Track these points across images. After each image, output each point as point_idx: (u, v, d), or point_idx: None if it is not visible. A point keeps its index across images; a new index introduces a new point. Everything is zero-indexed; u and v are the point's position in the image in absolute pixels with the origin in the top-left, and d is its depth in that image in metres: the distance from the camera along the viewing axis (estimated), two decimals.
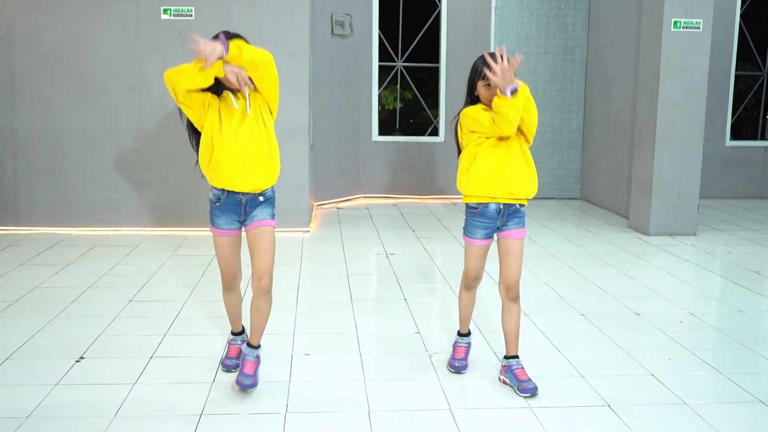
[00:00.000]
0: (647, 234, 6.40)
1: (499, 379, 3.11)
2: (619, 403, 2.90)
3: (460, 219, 7.10)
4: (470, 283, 3.15)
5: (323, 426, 2.69)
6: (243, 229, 2.98)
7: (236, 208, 2.92)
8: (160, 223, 6.26)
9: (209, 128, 2.87)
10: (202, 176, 2.97)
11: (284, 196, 6.29)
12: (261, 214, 2.92)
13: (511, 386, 3.02)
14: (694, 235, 6.41)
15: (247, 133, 2.85)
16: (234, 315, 3.23)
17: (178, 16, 6.03)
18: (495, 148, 2.89)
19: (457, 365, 3.20)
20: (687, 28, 6.17)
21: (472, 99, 2.95)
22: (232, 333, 3.27)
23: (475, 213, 2.98)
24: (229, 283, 3.09)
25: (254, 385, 2.93)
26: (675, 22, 6.14)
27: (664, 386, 3.09)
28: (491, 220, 2.96)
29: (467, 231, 3.04)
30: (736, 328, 3.89)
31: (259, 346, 3.03)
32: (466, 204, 3.02)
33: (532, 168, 2.96)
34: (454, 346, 3.28)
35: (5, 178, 6.17)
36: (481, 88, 2.87)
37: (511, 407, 2.87)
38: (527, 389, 2.94)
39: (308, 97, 6.37)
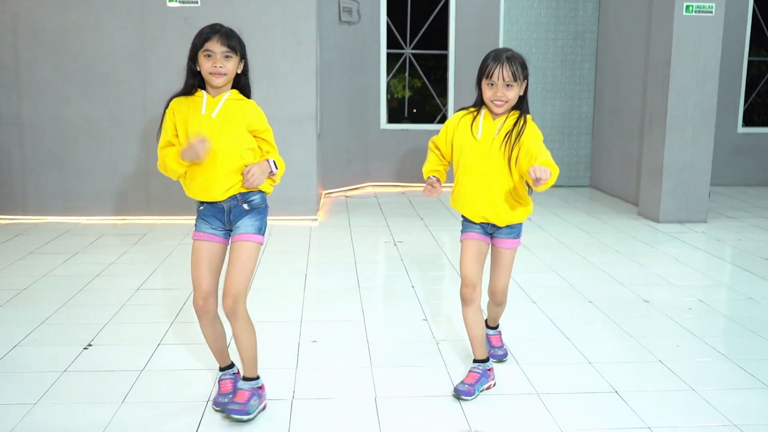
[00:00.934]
0: (657, 221, 6.34)
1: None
2: (627, 390, 2.88)
3: None
4: (465, 291, 2.82)
5: (330, 413, 2.69)
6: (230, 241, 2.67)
7: (220, 215, 2.60)
8: (168, 211, 6.26)
9: (179, 139, 2.57)
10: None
11: (292, 185, 6.28)
12: (245, 225, 2.59)
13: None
14: (705, 222, 6.35)
15: (218, 140, 2.53)
16: (215, 348, 2.72)
17: (184, 3, 6.01)
18: (469, 175, 2.79)
19: (462, 389, 2.81)
20: (699, 12, 6.08)
21: (480, 101, 2.79)
22: (220, 369, 2.78)
23: (466, 220, 2.94)
24: (199, 305, 2.58)
25: (243, 413, 2.55)
26: (687, 6, 6.06)
27: (672, 373, 3.07)
28: (482, 225, 2.88)
29: (462, 228, 2.94)
30: (745, 315, 3.86)
31: (256, 378, 2.67)
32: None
33: (522, 198, 2.79)
34: (472, 371, 2.90)
35: (12, 168, 6.19)
36: (484, 87, 2.72)
37: (518, 393, 2.86)
38: (496, 355, 3.14)
39: (315, 85, 6.34)
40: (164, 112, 2.63)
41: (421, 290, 4.28)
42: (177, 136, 2.59)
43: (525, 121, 2.73)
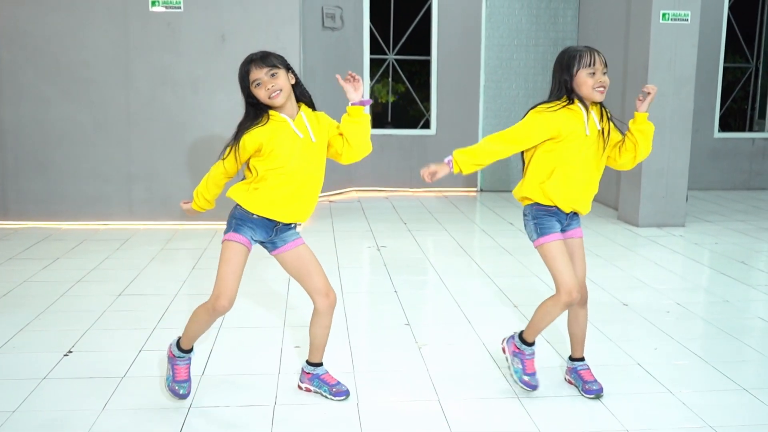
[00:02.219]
0: (636, 225, 6.43)
1: (565, 378, 3.05)
2: (606, 392, 2.92)
3: (452, 212, 7.12)
4: (575, 296, 2.73)
5: (312, 417, 2.71)
6: (269, 251, 2.79)
7: (269, 228, 2.68)
8: (150, 216, 6.24)
9: (275, 162, 2.59)
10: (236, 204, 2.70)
11: None
12: (291, 235, 2.75)
13: (576, 386, 2.96)
14: (683, 226, 6.45)
15: (315, 163, 2.67)
16: (197, 336, 2.81)
17: (167, 8, 6.00)
18: (574, 170, 2.73)
19: (533, 383, 2.90)
20: (675, 20, 6.19)
21: (566, 93, 2.75)
22: (181, 350, 2.81)
23: (549, 210, 2.78)
24: (225, 308, 2.65)
25: (347, 393, 2.85)
26: (663, 14, 6.16)
27: (650, 375, 3.12)
28: (562, 216, 2.81)
29: (543, 228, 2.75)
30: (722, 318, 3.93)
31: (322, 364, 2.91)
32: (534, 205, 2.80)
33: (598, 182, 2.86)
34: (523, 358, 2.93)
35: None
36: (583, 77, 2.70)
37: (498, 397, 2.89)
38: (591, 390, 2.87)
39: None
40: (237, 140, 2.60)
41: (403, 295, 4.30)
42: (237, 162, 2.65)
43: (604, 107, 2.83)
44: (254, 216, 2.65)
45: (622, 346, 3.47)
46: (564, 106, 2.75)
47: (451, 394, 2.91)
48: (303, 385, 2.92)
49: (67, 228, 6.10)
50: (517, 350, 2.95)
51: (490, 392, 2.94)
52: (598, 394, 2.86)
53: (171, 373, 2.81)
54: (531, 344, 2.94)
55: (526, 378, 2.90)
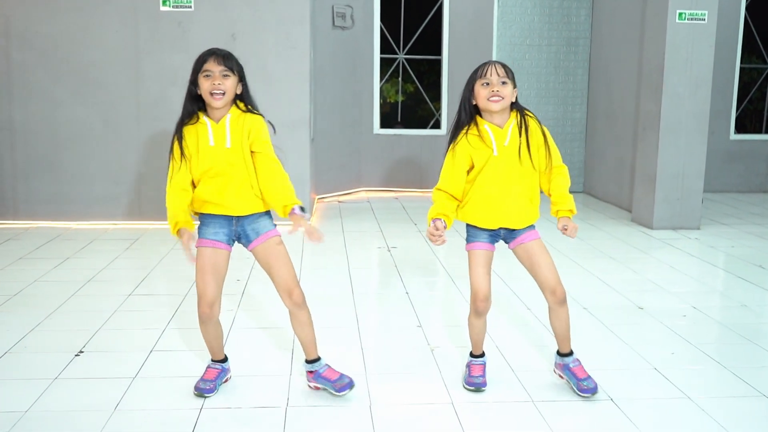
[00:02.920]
0: (651, 228, 6.36)
1: (555, 372, 3.02)
2: (622, 397, 2.87)
3: None
4: (480, 305, 2.81)
5: (324, 420, 2.67)
6: (243, 246, 2.78)
7: (227, 219, 2.70)
8: (160, 216, 6.22)
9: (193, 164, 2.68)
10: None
11: None
12: (263, 225, 2.73)
13: (570, 383, 2.92)
14: (698, 229, 6.37)
15: (232, 165, 2.66)
16: (213, 346, 2.86)
17: (177, 7, 5.99)
18: (492, 183, 2.73)
19: (477, 381, 2.91)
20: (692, 19, 6.11)
21: (467, 113, 2.76)
22: (213, 360, 2.90)
23: (476, 228, 2.83)
24: (205, 314, 2.69)
25: (350, 384, 2.80)
26: (680, 14, 6.09)
27: (667, 380, 3.06)
28: (493, 233, 2.83)
29: (469, 236, 2.84)
30: (739, 323, 3.86)
31: (320, 358, 2.86)
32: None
33: (537, 200, 2.84)
34: (469, 365, 3.00)
35: (4, 172, 6.14)
36: (479, 90, 2.71)
37: (513, 401, 2.84)
38: (587, 389, 2.83)
39: (309, 89, 6.33)
40: (175, 139, 2.68)
41: (415, 297, 4.26)
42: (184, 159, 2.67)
43: (523, 116, 2.78)
44: (205, 213, 2.70)
45: (639, 350, 3.41)
46: (467, 133, 2.75)
47: (464, 398, 2.87)
48: (311, 384, 2.89)
49: (77, 228, 6.09)
50: (468, 362, 3.02)
51: (505, 396, 2.89)
52: (593, 392, 2.83)
53: (202, 374, 2.89)
54: (480, 356, 3.00)
55: (468, 379, 2.94)
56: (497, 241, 2.87)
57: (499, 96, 2.69)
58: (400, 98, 8.66)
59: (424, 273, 4.84)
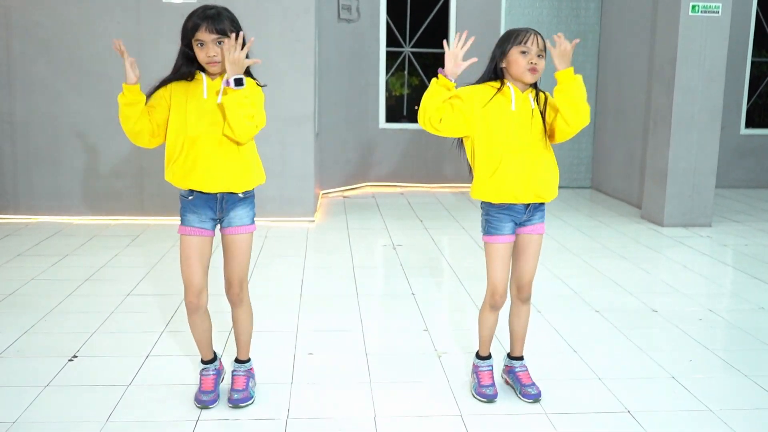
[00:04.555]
0: (661, 225, 6.22)
1: (502, 377, 2.98)
2: (640, 410, 2.74)
3: (469, 209, 6.94)
4: (499, 300, 2.72)
5: None
6: (219, 228, 2.67)
7: (212, 204, 2.58)
8: (162, 211, 6.11)
9: (174, 124, 2.53)
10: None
11: (289, 185, 6.14)
12: (239, 217, 2.61)
13: (513, 388, 2.88)
14: (710, 226, 6.22)
15: (220, 125, 2.51)
16: (202, 341, 2.75)
17: None
18: (521, 152, 2.60)
19: (489, 393, 2.79)
20: (706, 12, 5.95)
21: (494, 71, 2.65)
22: (202, 362, 2.80)
23: (500, 208, 2.67)
24: (193, 303, 2.62)
25: (248, 399, 2.72)
26: (693, 6, 5.92)
27: (687, 390, 2.93)
28: (519, 213, 2.68)
29: (491, 228, 2.67)
30: (759, 327, 3.72)
31: (248, 360, 2.82)
32: (488, 203, 2.69)
33: (556, 165, 2.73)
34: (477, 372, 2.88)
35: (4, 166, 6.04)
36: (515, 56, 2.58)
37: (524, 413, 2.72)
38: (530, 395, 2.79)
39: (314, 83, 6.20)
40: (159, 86, 2.59)
41: (421, 298, 4.14)
42: (156, 116, 2.56)
43: (539, 91, 2.70)
44: (188, 196, 2.57)
45: (654, 357, 3.28)
46: (492, 86, 2.65)
47: (474, 409, 2.74)
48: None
49: (78, 223, 5.98)
50: (474, 367, 2.91)
51: (517, 407, 2.77)
52: (536, 399, 2.78)
53: (198, 385, 2.78)
54: (486, 358, 2.89)
55: (479, 389, 2.82)
56: (517, 227, 2.72)
57: (536, 68, 2.59)
58: (406, 92, 8.52)
59: (430, 273, 4.71)
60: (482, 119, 2.62)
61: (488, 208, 2.70)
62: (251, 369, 2.85)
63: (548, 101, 2.68)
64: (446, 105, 2.59)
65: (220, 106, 2.50)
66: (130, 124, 2.54)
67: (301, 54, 6.05)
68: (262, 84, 2.66)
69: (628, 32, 7.42)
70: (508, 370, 2.93)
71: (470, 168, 2.74)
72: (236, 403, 2.70)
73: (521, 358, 2.92)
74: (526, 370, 2.89)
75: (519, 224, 2.72)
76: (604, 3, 8.06)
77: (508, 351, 2.97)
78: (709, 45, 6.00)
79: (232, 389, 2.74)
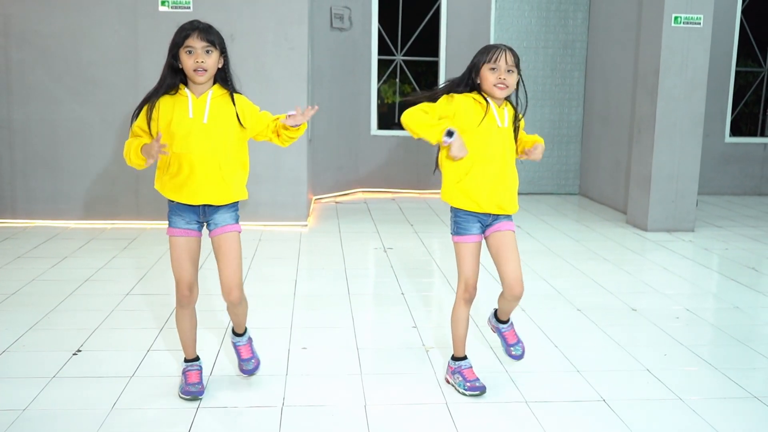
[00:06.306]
0: (645, 230, 6.40)
1: (488, 323, 3.19)
2: (616, 399, 2.90)
3: None
4: (472, 293, 2.87)
5: (319, 419, 2.70)
6: (207, 233, 2.80)
7: (195, 209, 2.72)
8: (158, 215, 6.24)
9: (165, 139, 2.62)
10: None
11: (282, 190, 6.29)
12: (224, 218, 2.73)
13: (501, 343, 3.13)
14: (692, 231, 6.41)
15: (208, 144, 2.64)
16: (187, 339, 2.86)
17: (176, 8, 6.01)
18: (491, 164, 2.77)
19: (479, 385, 2.90)
20: (687, 23, 6.15)
21: (470, 82, 2.80)
22: (186, 360, 2.90)
23: (467, 211, 2.83)
24: (185, 297, 2.75)
25: (258, 365, 3.00)
26: (675, 18, 6.13)
27: (659, 382, 3.10)
28: (484, 217, 2.85)
29: (459, 228, 2.84)
30: (732, 325, 3.90)
31: (245, 331, 2.99)
32: (455, 207, 2.86)
33: (517, 179, 2.92)
34: (460, 371, 2.96)
35: (2, 171, 6.16)
36: (486, 73, 2.74)
37: (506, 401, 2.88)
38: (514, 356, 3.07)
39: (307, 90, 6.36)
40: (146, 101, 2.69)
41: (410, 297, 4.29)
42: (149, 131, 2.68)
43: (515, 107, 2.90)
44: (174, 201, 2.73)
45: (631, 351, 3.45)
46: (476, 99, 2.80)
47: (458, 398, 2.90)
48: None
49: (74, 227, 6.11)
50: (452, 369, 3.00)
51: (499, 396, 2.93)
52: (519, 359, 3.07)
53: (182, 381, 2.86)
54: (462, 359, 2.99)
55: (468, 385, 2.91)
56: (484, 230, 2.88)
57: (504, 84, 2.75)
58: (398, 99, 8.69)
59: (419, 274, 4.87)
60: (458, 127, 2.74)
61: (456, 210, 2.87)
62: (251, 338, 3.03)
63: (519, 122, 2.88)
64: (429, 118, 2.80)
65: (274, 131, 2.76)
66: (133, 163, 2.72)
67: (294, 62, 6.22)
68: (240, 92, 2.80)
69: (614, 42, 7.63)
70: (495, 329, 3.13)
71: (437, 165, 2.93)
72: (251, 372, 2.98)
73: (507, 321, 3.09)
74: (512, 329, 3.08)
75: (487, 225, 2.87)
76: (591, 14, 8.28)
77: (495, 310, 3.11)
78: (692, 55, 6.21)
79: (241, 360, 2.97)
